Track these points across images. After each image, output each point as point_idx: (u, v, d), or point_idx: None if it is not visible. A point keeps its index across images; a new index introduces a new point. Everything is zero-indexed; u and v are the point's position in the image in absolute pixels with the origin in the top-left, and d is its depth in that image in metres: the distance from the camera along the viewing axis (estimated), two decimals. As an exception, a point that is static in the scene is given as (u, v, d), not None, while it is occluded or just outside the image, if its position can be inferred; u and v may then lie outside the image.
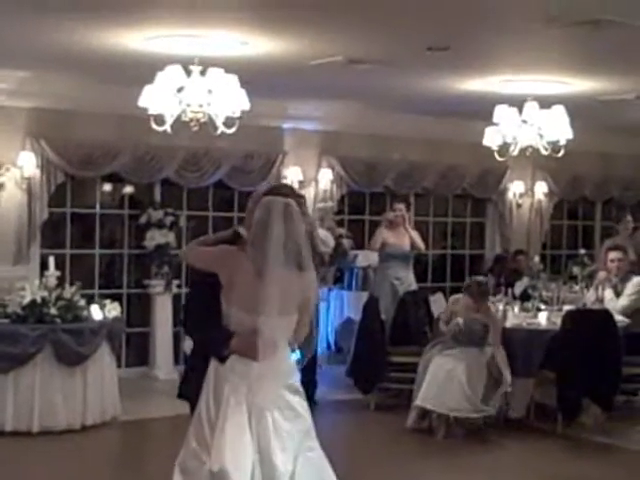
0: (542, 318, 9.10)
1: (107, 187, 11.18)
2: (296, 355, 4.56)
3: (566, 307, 9.37)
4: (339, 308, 11.71)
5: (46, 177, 10.17)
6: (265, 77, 8.89)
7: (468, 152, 12.35)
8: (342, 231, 11.23)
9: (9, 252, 10.01)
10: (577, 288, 11.06)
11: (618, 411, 8.76)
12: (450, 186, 13.10)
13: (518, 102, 9.44)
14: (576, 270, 12.31)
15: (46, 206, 10.23)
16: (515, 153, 9.68)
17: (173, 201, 11.20)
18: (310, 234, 4.53)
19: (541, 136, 9.48)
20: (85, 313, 8.45)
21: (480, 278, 9.21)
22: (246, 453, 4.25)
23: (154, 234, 10.83)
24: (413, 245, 10.98)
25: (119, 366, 9.31)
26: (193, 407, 4.52)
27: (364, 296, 10.40)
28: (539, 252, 13.67)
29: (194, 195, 11.48)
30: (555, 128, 9.41)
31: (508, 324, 8.88)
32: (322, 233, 9.90)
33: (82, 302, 8.48)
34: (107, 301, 8.81)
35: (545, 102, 9.41)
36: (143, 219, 10.89)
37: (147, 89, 7.85)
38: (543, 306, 9.53)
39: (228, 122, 7.95)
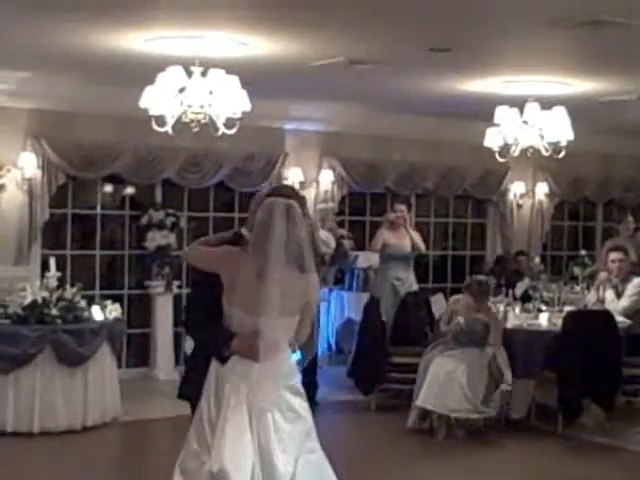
0: (543, 319, 9.09)
1: (108, 188, 11.18)
2: (297, 356, 4.56)
3: (567, 308, 9.37)
4: (340, 309, 11.70)
5: (47, 178, 10.17)
6: (266, 78, 8.89)
7: (469, 153, 12.36)
8: (343, 232, 11.24)
9: (10, 253, 10.02)
10: (578, 289, 11.07)
11: (619, 412, 8.75)
12: (451, 187, 13.10)
13: (519, 103, 9.44)
14: (577, 271, 12.32)
15: (47, 207, 10.23)
16: (516, 154, 9.68)
17: (174, 202, 11.20)
18: (311, 235, 4.52)
19: (542, 137, 9.49)
20: (86, 314, 8.45)
21: (481, 277, 9.20)
22: (246, 454, 4.24)
23: (155, 235, 10.83)
24: (414, 246, 10.98)
25: (120, 367, 9.30)
26: (194, 408, 4.52)
27: (365, 297, 10.39)
28: (540, 253, 13.68)
29: (195, 196, 11.48)
30: (556, 129, 9.41)
31: (509, 325, 8.89)
32: (323, 234, 9.90)
33: (83, 303, 8.48)
34: (108, 302, 8.82)
35: (546, 103, 9.42)
36: (144, 220, 10.89)
37: (148, 90, 7.86)
38: (544, 307, 9.53)
39: (229, 123, 7.95)
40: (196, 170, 11.06)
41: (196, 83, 7.76)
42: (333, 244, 10.34)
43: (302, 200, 4.63)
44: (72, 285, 8.69)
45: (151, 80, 7.79)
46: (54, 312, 8.21)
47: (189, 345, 5.26)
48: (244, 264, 4.33)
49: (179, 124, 7.91)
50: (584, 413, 8.56)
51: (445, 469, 7.61)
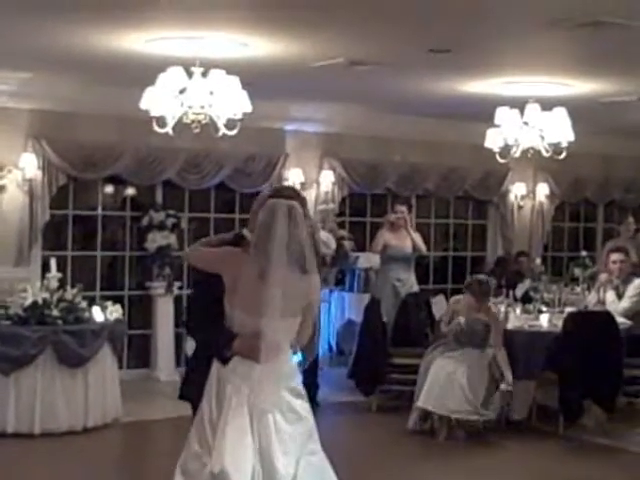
0: (544, 320, 9.09)
1: (109, 189, 11.18)
2: (298, 357, 4.56)
3: (568, 309, 9.37)
4: (340, 310, 11.70)
5: (48, 179, 10.17)
6: (267, 79, 8.89)
7: (470, 154, 12.36)
8: (343, 233, 11.25)
9: (10, 254, 10.02)
10: (579, 290, 11.06)
11: (619, 413, 8.74)
12: (452, 188, 13.10)
13: (519, 104, 9.44)
14: (578, 272, 12.32)
15: (48, 208, 10.23)
16: (517, 155, 9.68)
17: (175, 203, 11.20)
18: (311, 236, 4.52)
19: (542, 138, 9.48)
20: (86, 315, 8.45)
21: (481, 276, 9.20)
22: (247, 455, 4.24)
23: (155, 236, 10.83)
24: (415, 247, 10.98)
25: (120, 368, 9.30)
26: (195, 408, 4.52)
27: (365, 298, 10.39)
28: (541, 254, 13.68)
29: (196, 197, 11.48)
30: (556, 130, 9.41)
31: (510, 326, 8.88)
32: (323, 235, 9.90)
33: (83, 304, 8.48)
34: (108, 303, 8.82)
35: (547, 104, 9.41)
36: (145, 221, 10.89)
37: (149, 91, 7.86)
38: (545, 308, 9.53)
39: (230, 124, 7.95)
40: (197, 171, 11.06)
41: (197, 84, 7.76)
42: (333, 245, 10.34)
43: (303, 201, 4.63)
44: (73, 286, 8.69)
45: (152, 81, 7.80)
46: (55, 313, 8.21)
47: (190, 346, 5.25)
48: (246, 265, 4.32)
49: (180, 125, 7.91)
50: (585, 414, 8.56)
51: (446, 470, 7.61)
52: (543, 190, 13.86)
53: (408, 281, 10.90)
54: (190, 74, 7.78)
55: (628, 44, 7.47)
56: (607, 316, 8.73)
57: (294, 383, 4.45)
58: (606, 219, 15.08)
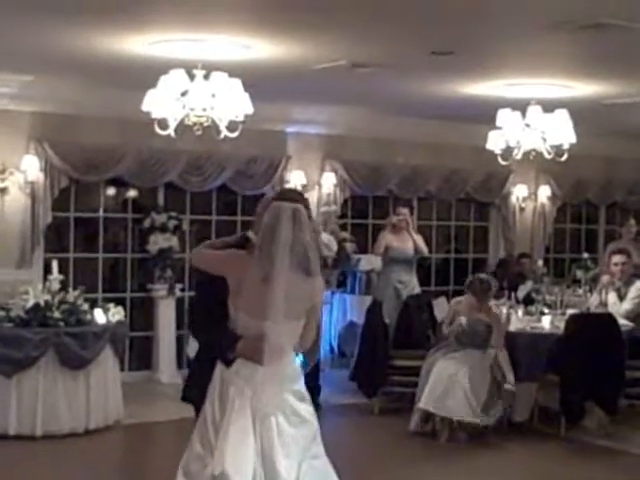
0: (545, 322, 9.09)
1: (111, 191, 11.18)
2: (299, 359, 4.55)
3: (569, 311, 9.37)
4: (342, 312, 11.70)
5: (50, 181, 10.18)
6: (269, 81, 8.89)
7: (471, 156, 12.37)
8: (345, 235, 11.25)
9: (13, 256, 10.02)
10: (580, 292, 11.08)
11: (621, 415, 8.74)
12: (453, 190, 13.09)
13: (521, 106, 9.44)
14: (579, 274, 12.33)
15: (50, 210, 10.24)
16: (518, 157, 9.67)
17: (176, 205, 11.20)
18: (315, 239, 4.52)
19: (544, 140, 9.48)
20: (88, 317, 8.46)
21: (482, 275, 9.20)
22: (248, 457, 4.24)
23: (157, 238, 10.84)
24: (416, 249, 10.97)
25: (122, 370, 9.32)
26: (198, 410, 4.52)
27: (367, 300, 10.38)
28: (542, 256, 13.67)
29: (197, 199, 11.48)
30: (558, 132, 9.40)
31: (512, 328, 8.88)
32: (325, 237, 9.90)
33: (85, 306, 8.49)
34: (110, 305, 8.83)
35: (548, 106, 9.41)
36: (146, 223, 10.89)
37: (150, 93, 7.87)
38: (546, 310, 9.52)
39: (231, 126, 7.96)
40: (198, 173, 11.06)
41: (198, 86, 7.76)
42: (335, 247, 10.35)
43: (307, 204, 4.63)
44: (75, 288, 8.71)
45: (154, 83, 7.80)
46: (57, 315, 8.21)
47: (192, 348, 5.26)
48: (250, 268, 4.32)
49: (181, 127, 7.91)
50: (587, 416, 8.56)
51: (447, 472, 7.61)
52: (545, 192, 13.86)
53: (410, 283, 10.90)
54: (192, 76, 7.79)
55: (630, 46, 7.48)
56: (609, 318, 8.73)
57: (297, 386, 4.45)
58: (608, 221, 15.08)
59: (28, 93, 9.73)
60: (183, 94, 7.77)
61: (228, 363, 4.38)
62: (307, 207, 4.51)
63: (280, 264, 4.27)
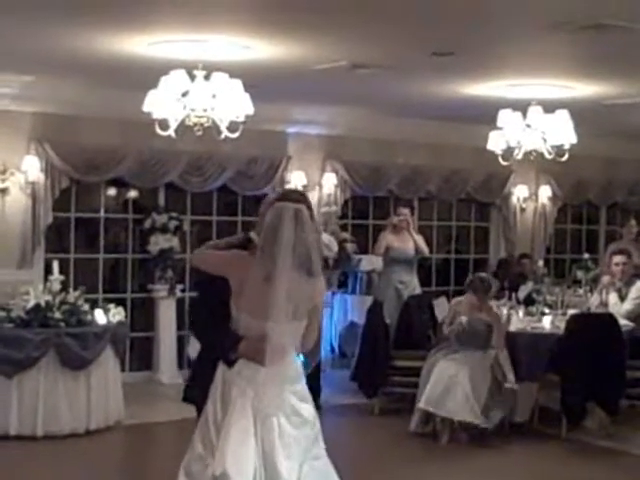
0: (546, 322, 9.09)
1: (111, 191, 11.19)
2: (301, 359, 4.55)
3: (570, 311, 9.37)
4: (343, 312, 11.70)
5: (50, 181, 10.18)
6: (269, 82, 8.90)
7: (472, 156, 12.37)
8: (346, 235, 11.25)
9: (13, 256, 10.02)
10: (581, 292, 11.08)
11: (622, 415, 8.73)
12: (454, 190, 13.10)
13: (522, 106, 9.44)
14: (580, 274, 12.33)
15: (50, 210, 10.24)
16: (519, 157, 9.68)
17: (177, 205, 11.21)
18: (317, 239, 4.52)
19: (545, 140, 9.48)
20: (89, 317, 8.46)
21: (482, 274, 9.20)
22: (249, 458, 4.23)
23: (158, 238, 10.84)
24: (417, 249, 10.96)
25: (123, 370, 9.32)
26: (199, 411, 4.52)
27: (368, 300, 10.38)
28: (543, 256, 13.67)
29: (198, 199, 11.48)
30: (559, 132, 9.41)
31: (512, 328, 8.88)
32: (326, 237, 9.90)
33: (86, 306, 8.49)
34: (111, 305, 8.83)
35: (549, 106, 9.42)
36: (147, 223, 10.90)
37: (151, 94, 7.87)
38: (547, 310, 9.52)
39: (232, 126, 7.96)
40: (199, 173, 11.07)
41: (199, 87, 7.77)
42: (336, 247, 10.34)
43: (309, 204, 4.63)
44: (75, 289, 8.71)
45: (154, 84, 7.81)
46: (57, 316, 8.21)
47: (193, 348, 5.26)
48: (252, 268, 4.31)
49: (182, 128, 7.91)
50: (588, 416, 8.56)
51: (448, 472, 7.60)
52: (545, 192, 13.86)
53: (410, 283, 10.89)
54: (193, 77, 7.79)
55: (630, 46, 7.48)
56: (610, 318, 8.73)
57: (299, 386, 4.44)
58: (608, 221, 15.08)
59: (29, 93, 9.73)
60: (184, 95, 7.78)
61: (230, 364, 4.37)
62: (309, 208, 4.51)
63: (282, 264, 4.26)
